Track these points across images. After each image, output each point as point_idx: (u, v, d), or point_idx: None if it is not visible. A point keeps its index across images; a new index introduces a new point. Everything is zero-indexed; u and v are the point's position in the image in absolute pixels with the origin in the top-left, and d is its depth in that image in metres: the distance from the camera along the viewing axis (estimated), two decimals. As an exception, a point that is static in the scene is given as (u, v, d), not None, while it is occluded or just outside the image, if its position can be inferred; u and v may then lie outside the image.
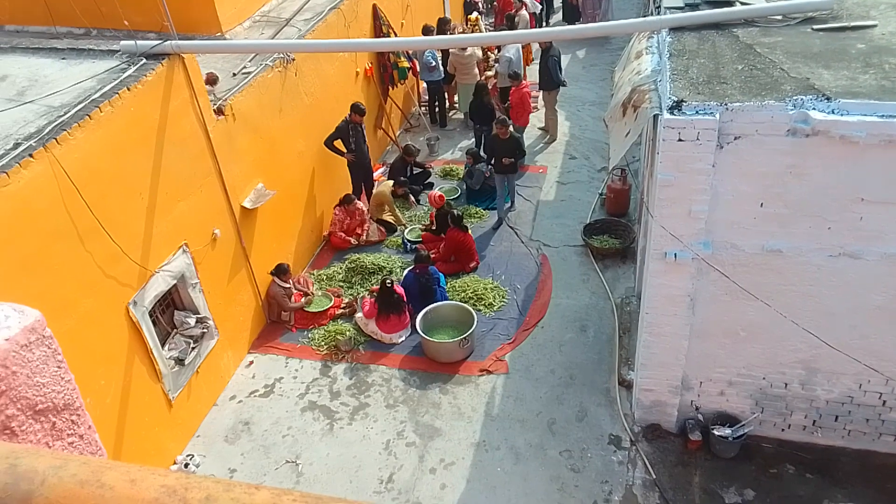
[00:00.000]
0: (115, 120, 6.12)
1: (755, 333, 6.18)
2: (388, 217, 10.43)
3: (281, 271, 8.62)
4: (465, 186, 11.08)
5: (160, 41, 6.79)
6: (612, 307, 8.69)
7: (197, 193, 7.30)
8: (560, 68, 12.01)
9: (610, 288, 9.00)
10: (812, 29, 6.18)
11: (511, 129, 9.89)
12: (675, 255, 5.84)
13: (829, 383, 6.31)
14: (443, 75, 12.52)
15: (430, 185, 11.26)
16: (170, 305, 7.29)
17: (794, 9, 6.38)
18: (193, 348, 7.32)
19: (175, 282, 7.05)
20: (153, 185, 6.67)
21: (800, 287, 5.81)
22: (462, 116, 13.08)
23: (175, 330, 7.28)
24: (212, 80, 7.90)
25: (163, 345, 7.04)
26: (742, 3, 6.56)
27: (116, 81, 6.33)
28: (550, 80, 11.71)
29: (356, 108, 9.96)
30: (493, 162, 10.23)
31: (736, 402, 6.69)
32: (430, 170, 11.46)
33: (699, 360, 6.49)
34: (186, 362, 7.21)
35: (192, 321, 7.30)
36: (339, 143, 9.98)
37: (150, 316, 6.78)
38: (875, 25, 6.14)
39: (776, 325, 6.01)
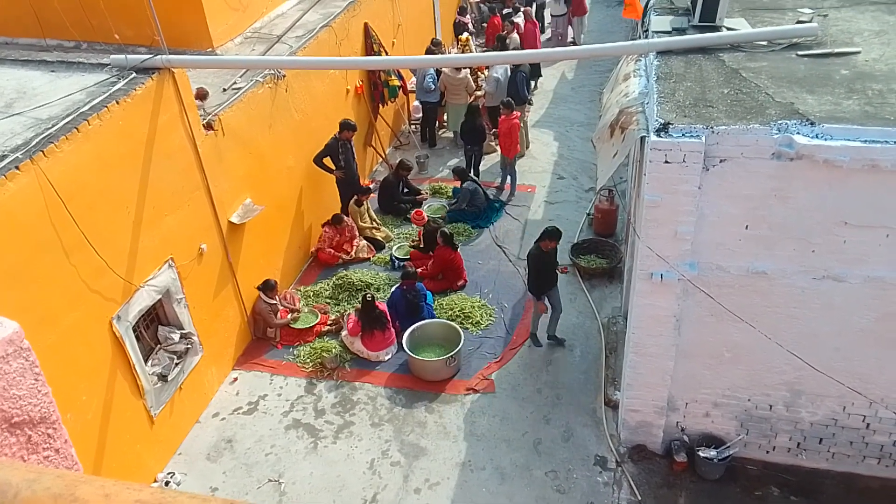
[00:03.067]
0: (103, 133, 6.09)
1: (740, 355, 6.21)
2: (367, 230, 10.41)
3: (268, 287, 8.58)
4: (453, 204, 11.13)
5: (150, 55, 6.80)
6: (598, 327, 8.70)
7: (184, 208, 7.27)
8: (528, 85, 12.33)
9: (597, 308, 9.02)
10: (797, 55, 6.28)
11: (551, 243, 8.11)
12: (662, 275, 5.87)
13: (813, 405, 6.33)
14: (439, 97, 12.63)
15: (419, 203, 11.27)
16: (154, 320, 7.22)
17: (779, 35, 6.49)
18: (177, 364, 7.24)
19: (160, 297, 6.99)
20: (140, 198, 6.64)
21: (784, 309, 5.85)
22: (451, 136, 13.18)
23: (159, 345, 7.20)
24: (202, 95, 7.90)
25: (146, 360, 6.96)
26: (728, 29, 6.67)
27: (105, 95, 6.31)
28: (517, 96, 11.85)
29: (346, 125, 10.01)
30: (534, 274, 8.25)
31: (721, 423, 6.69)
32: (423, 198, 11.43)
33: (685, 380, 6.50)
34: (170, 378, 7.12)
35: (176, 337, 7.23)
36: (327, 160, 10.00)
37: (134, 331, 6.71)
38: (858, 52, 6.26)
39: (761, 346, 6.04)
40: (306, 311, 9.09)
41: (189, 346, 7.38)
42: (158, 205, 6.87)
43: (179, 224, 7.19)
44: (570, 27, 16.79)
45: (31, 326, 5.52)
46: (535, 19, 15.60)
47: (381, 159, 12.52)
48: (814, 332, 5.90)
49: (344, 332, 8.65)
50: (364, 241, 10.27)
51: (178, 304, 7.22)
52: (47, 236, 5.64)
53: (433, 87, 12.43)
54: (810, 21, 6.71)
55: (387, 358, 8.48)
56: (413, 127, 13.53)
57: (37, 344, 5.97)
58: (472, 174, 11.37)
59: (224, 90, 8.38)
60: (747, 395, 6.44)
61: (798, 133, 5.15)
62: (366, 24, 11.44)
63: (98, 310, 6.22)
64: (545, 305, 8.19)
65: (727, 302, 5.90)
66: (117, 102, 6.25)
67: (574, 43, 16.75)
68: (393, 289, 9.05)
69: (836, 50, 6.28)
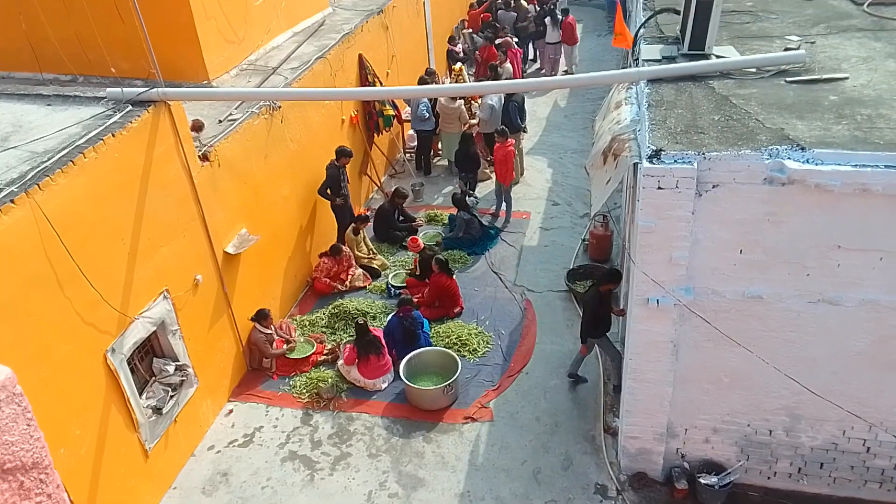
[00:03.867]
0: (98, 166, 6.11)
1: (738, 380, 6.18)
2: (364, 258, 10.41)
3: (261, 317, 8.54)
4: (449, 231, 11.17)
5: (147, 88, 6.85)
6: (596, 353, 8.66)
7: (179, 239, 7.27)
8: (521, 114, 12.45)
9: (594, 334, 8.99)
10: (785, 81, 6.37)
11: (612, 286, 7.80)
12: (658, 300, 5.87)
13: (813, 430, 6.29)
14: (434, 126, 12.74)
15: (415, 231, 11.29)
16: (149, 352, 7.17)
17: (767, 62, 6.58)
18: (172, 397, 7.18)
19: (155, 328, 6.95)
20: (135, 230, 6.64)
21: (781, 333, 5.85)
22: (446, 163, 13.27)
23: (153, 378, 7.14)
24: (198, 127, 7.95)
25: (140, 393, 6.90)
26: (717, 57, 6.77)
27: (101, 127, 6.35)
28: (511, 125, 11.97)
29: (343, 152, 10.14)
30: None
31: (721, 449, 6.64)
32: (418, 225, 11.46)
33: (683, 406, 6.46)
34: (164, 411, 7.05)
35: (171, 369, 7.18)
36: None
37: (129, 363, 6.66)
38: (846, 78, 6.35)
39: (758, 371, 6.02)
40: (302, 340, 9.04)
41: (184, 378, 7.32)
42: (154, 236, 6.87)
43: (175, 255, 7.18)
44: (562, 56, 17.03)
45: (24, 360, 5.49)
46: (517, 47, 15.86)
47: (376, 187, 12.57)
48: (811, 356, 5.89)
49: (340, 362, 8.60)
50: (360, 270, 10.26)
51: (172, 336, 7.18)
52: (41, 269, 5.62)
53: (427, 115, 12.55)
54: (798, 48, 6.81)
55: (384, 386, 8.42)
56: (408, 155, 13.61)
57: (30, 378, 5.92)
58: (468, 194, 11.51)
59: (220, 121, 8.43)
60: (747, 421, 6.40)
61: (789, 158, 5.19)
62: (360, 56, 11.57)
63: (92, 342, 6.18)
64: (587, 347, 8.09)
65: (724, 326, 5.90)
66: (113, 135, 6.28)
67: (567, 72, 16.97)
68: (389, 317, 9.02)
69: (825, 76, 6.37)
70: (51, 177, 5.64)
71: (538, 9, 17.71)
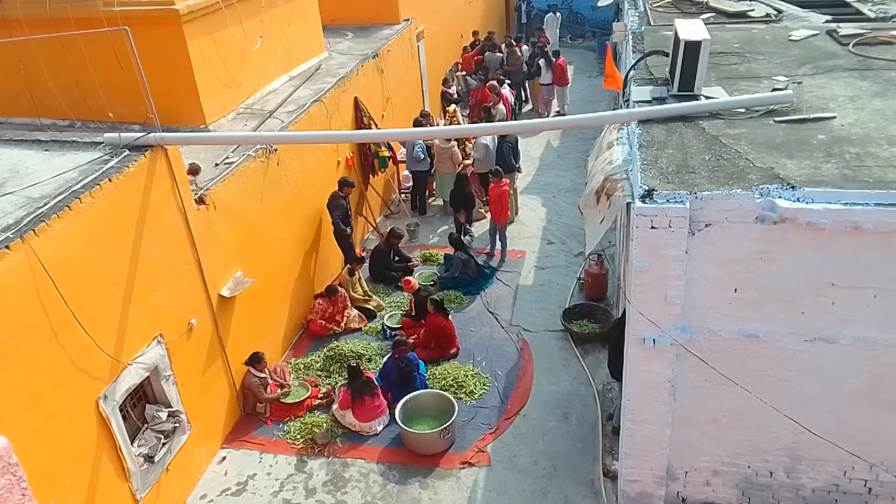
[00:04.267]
0: (94, 211, 6.13)
1: (737, 420, 6.13)
2: (360, 300, 10.39)
3: (256, 360, 8.47)
4: (444, 271, 11.17)
5: (144, 133, 6.92)
6: (593, 393, 8.59)
7: (174, 282, 7.25)
8: (515, 154, 12.65)
9: (591, 373, 8.93)
10: (774, 121, 6.46)
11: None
12: (654, 340, 5.85)
13: (813, 471, 6.21)
14: (429, 166, 12.86)
15: (410, 271, 11.29)
16: (141, 398, 7.09)
17: (756, 102, 6.70)
18: (164, 444, 7.07)
19: (148, 374, 6.88)
20: (130, 274, 6.62)
21: (778, 372, 5.82)
22: (441, 203, 13.35)
23: (146, 425, 7.04)
24: (194, 171, 8.00)
25: (132, 440, 6.79)
26: (706, 97, 6.88)
27: (98, 172, 6.38)
28: (505, 165, 12.11)
29: (345, 182, 10.57)
30: None
31: (722, 492, 6.54)
32: (414, 266, 11.48)
33: (683, 448, 6.39)
34: (156, 459, 6.93)
35: (163, 415, 7.08)
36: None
37: (121, 410, 6.57)
38: (834, 117, 6.45)
39: (757, 411, 5.97)
40: (296, 384, 8.95)
41: (177, 424, 7.22)
42: (148, 280, 6.85)
43: (169, 299, 7.15)
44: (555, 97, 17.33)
45: (16, 408, 5.42)
46: (511, 89, 16.15)
47: (372, 228, 12.61)
48: (808, 395, 5.85)
49: (335, 406, 8.50)
50: (355, 311, 10.22)
51: (166, 381, 7.11)
52: (35, 316, 5.59)
53: (423, 156, 12.67)
54: (785, 88, 6.94)
55: (379, 429, 8.31)
56: (403, 196, 13.70)
57: (20, 426, 5.83)
58: (463, 234, 11.56)
59: (216, 165, 8.50)
60: (747, 462, 6.32)
61: (780, 197, 5.24)
62: (356, 99, 11.73)
63: (84, 389, 6.11)
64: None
65: (721, 366, 5.87)
66: (110, 180, 6.31)
67: (559, 112, 17.23)
68: (385, 358, 8.95)
69: (813, 115, 6.47)
70: (46, 222, 5.65)
71: (531, 50, 18.11)
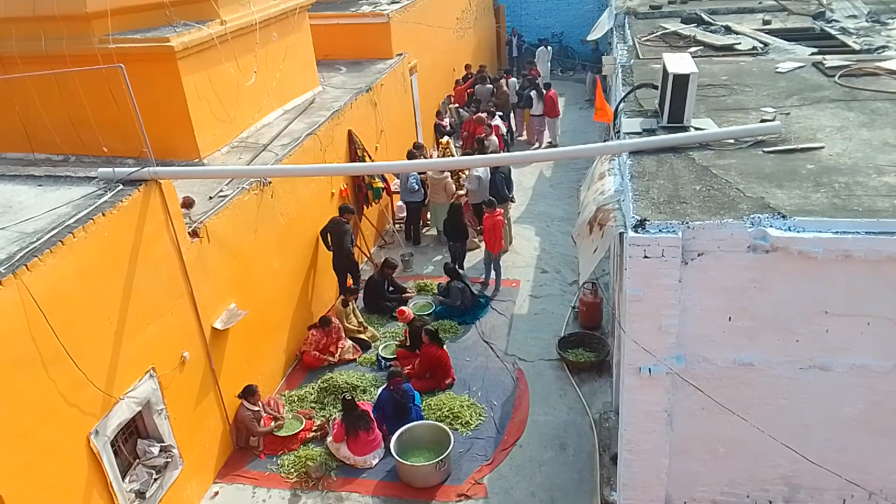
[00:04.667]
0: (87, 245, 6.13)
1: (734, 449, 6.09)
2: (354, 331, 10.34)
3: (249, 393, 8.39)
4: (440, 301, 11.15)
5: (138, 167, 6.95)
6: (590, 423, 8.54)
7: (167, 316, 7.22)
8: (509, 184, 12.78)
9: (587, 403, 8.89)
10: (763, 151, 6.54)
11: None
12: (650, 369, 5.83)
13: (812, 500, 6.16)
14: (423, 196, 12.94)
15: (404, 302, 11.27)
16: (133, 433, 7.00)
17: (745, 133, 6.78)
18: (156, 479, 6.96)
19: (140, 408, 6.81)
20: (123, 308, 6.60)
21: (774, 400, 5.80)
22: (435, 233, 13.40)
23: (137, 460, 6.95)
24: (188, 204, 8.03)
25: (123, 476, 6.69)
26: (696, 129, 6.97)
27: (92, 207, 6.40)
28: (498, 196, 12.21)
29: (347, 209, 11.06)
30: None
31: (722, 522, 6.47)
32: (408, 297, 11.46)
33: (681, 478, 6.33)
34: (148, 495, 6.83)
35: (155, 450, 6.99)
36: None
37: (112, 445, 6.48)
38: (822, 147, 6.53)
39: (754, 439, 5.94)
40: (290, 417, 8.86)
41: (169, 459, 7.13)
42: (141, 314, 6.82)
43: (162, 332, 7.11)
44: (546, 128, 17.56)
45: (5, 444, 5.34)
46: (502, 120, 16.40)
47: (366, 258, 12.63)
48: (805, 423, 5.83)
49: (329, 439, 8.41)
50: (349, 342, 10.18)
51: (158, 416, 7.03)
52: (26, 350, 5.55)
53: (417, 187, 12.74)
54: (773, 119, 7.04)
55: (374, 462, 8.22)
56: (397, 226, 13.74)
57: (9, 462, 5.74)
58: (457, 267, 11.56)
59: (210, 198, 8.52)
60: (746, 492, 6.27)
61: (771, 226, 5.28)
62: (350, 131, 11.84)
63: (75, 424, 6.04)
64: None
65: (717, 394, 5.85)
66: (103, 214, 6.33)
67: (551, 142, 17.44)
68: (380, 390, 8.89)
69: (801, 146, 6.55)
70: (39, 257, 5.64)
71: (520, 82, 18.40)
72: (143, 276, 6.83)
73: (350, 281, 11.16)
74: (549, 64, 22.13)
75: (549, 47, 22.53)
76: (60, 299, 5.85)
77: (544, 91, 17.08)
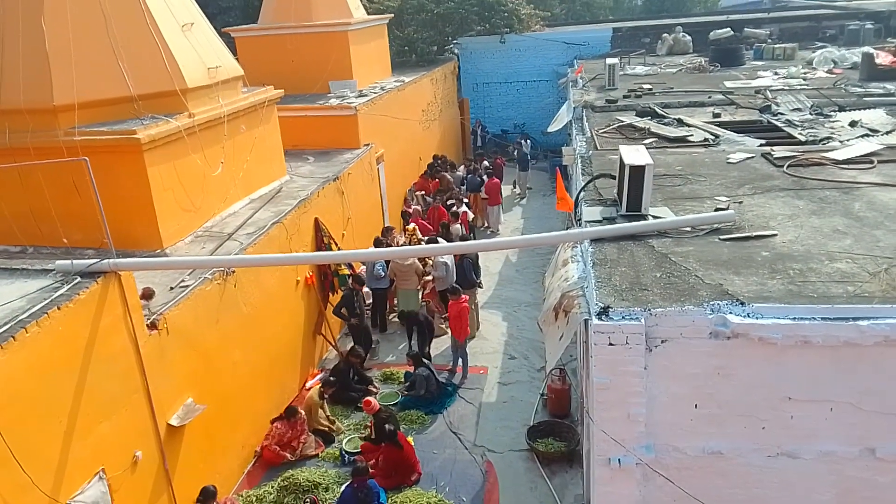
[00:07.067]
0: (40, 340, 5.92)
1: (709, 542, 5.93)
2: (323, 424, 10.03)
3: (207, 496, 7.94)
4: (408, 389, 10.93)
5: (97, 259, 6.82)
6: (564, 515, 8.28)
7: (121, 413, 6.92)
8: (476, 270, 13.00)
9: (559, 496, 8.64)
10: (719, 239, 6.73)
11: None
12: (619, 460, 5.73)
13: None
14: (388, 284, 12.93)
15: (370, 392, 11.02)
16: (79, 541, 6.55)
17: (700, 221, 6.99)
18: (101, 592, 6.48)
19: (87, 513, 6.41)
20: (74, 406, 6.31)
21: (745, 490, 5.72)
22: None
23: (82, 571, 6.47)
24: (148, 295, 7.86)
25: (65, 590, 6.21)
26: (654, 217, 7.17)
27: (46, 301, 6.22)
28: (465, 281, 12.31)
29: (358, 279, 11.94)
30: None
31: None
32: (374, 390, 11.21)
33: (657, 574, 6.11)
34: None
35: (102, 559, 6.54)
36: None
37: (54, 556, 6.05)
38: (775, 235, 6.76)
39: (729, 532, 5.80)
40: (250, 519, 8.41)
41: (116, 569, 6.66)
42: (93, 411, 6.53)
43: (114, 431, 6.79)
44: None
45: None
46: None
47: (331, 346, 12.41)
48: (778, 514, 5.73)
49: (291, 541, 7.98)
50: (312, 436, 9.83)
51: (107, 521, 6.62)
52: (-34, 454, 5.23)
53: (383, 274, 12.75)
54: (727, 208, 7.29)
55: (338, 567, 7.79)
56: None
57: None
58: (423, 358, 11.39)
59: (171, 288, 8.37)
60: (723, 587, 6.06)
61: (731, 313, 5.36)
62: (316, 219, 11.90)
63: (16, 534, 5.64)
64: None
65: (688, 485, 5.74)
66: (58, 308, 6.15)
67: (492, 230, 18.04)
68: (343, 487, 8.52)
69: (755, 234, 6.77)
70: (-13, 354, 5.42)
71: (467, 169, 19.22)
72: (98, 372, 6.58)
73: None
74: (528, 153, 22.49)
75: (529, 140, 23.10)
76: (10, 397, 5.58)
77: (486, 179, 17.84)
